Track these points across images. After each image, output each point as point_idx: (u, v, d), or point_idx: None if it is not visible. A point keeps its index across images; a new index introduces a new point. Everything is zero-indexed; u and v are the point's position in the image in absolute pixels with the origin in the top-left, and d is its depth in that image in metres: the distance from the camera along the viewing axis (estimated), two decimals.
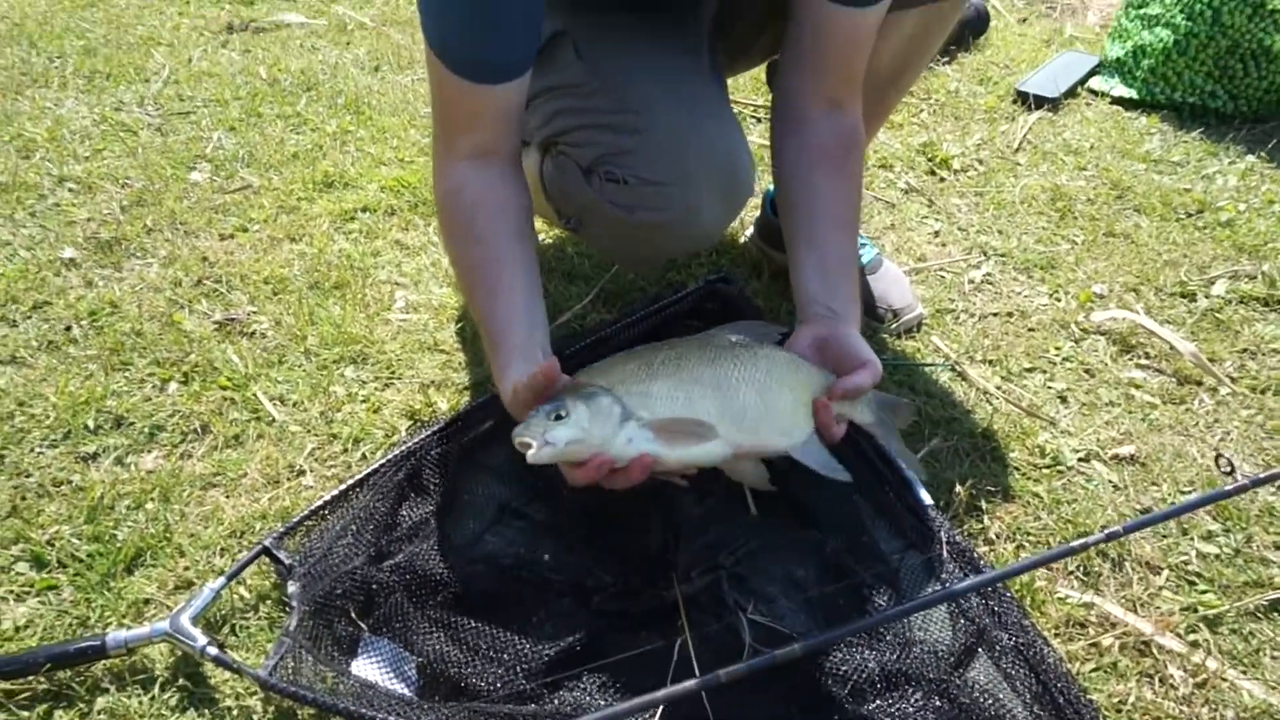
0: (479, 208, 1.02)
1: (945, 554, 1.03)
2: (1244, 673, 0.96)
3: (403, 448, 1.10)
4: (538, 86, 1.10)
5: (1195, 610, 1.02)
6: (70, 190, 1.76)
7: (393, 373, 1.34)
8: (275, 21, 2.57)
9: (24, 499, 1.12)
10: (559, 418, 0.87)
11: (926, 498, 1.11)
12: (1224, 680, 0.95)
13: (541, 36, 1.09)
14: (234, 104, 2.11)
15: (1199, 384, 1.35)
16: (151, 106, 2.09)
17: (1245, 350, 1.42)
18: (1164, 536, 1.11)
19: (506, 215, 1.03)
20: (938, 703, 0.88)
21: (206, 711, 0.89)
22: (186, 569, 1.03)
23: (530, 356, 0.94)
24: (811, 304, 1.05)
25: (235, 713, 0.89)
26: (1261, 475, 0.76)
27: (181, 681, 0.91)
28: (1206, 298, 1.53)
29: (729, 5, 1.25)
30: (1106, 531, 0.76)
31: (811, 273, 1.07)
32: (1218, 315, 1.49)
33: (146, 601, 1.00)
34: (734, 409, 0.95)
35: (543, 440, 0.86)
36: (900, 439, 1.10)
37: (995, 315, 1.49)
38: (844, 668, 0.89)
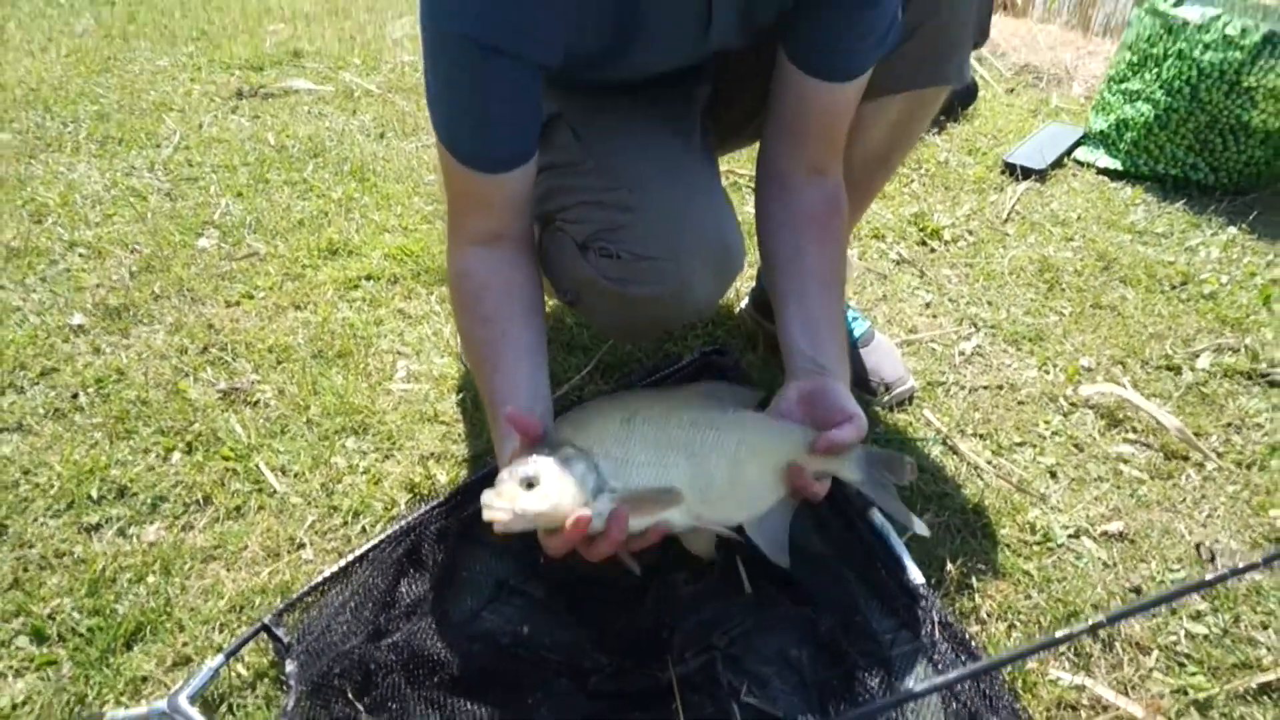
0: (486, 290, 1.07)
1: (936, 635, 1.05)
2: None
3: (402, 523, 1.12)
4: (538, 164, 1.15)
5: (1185, 693, 1.03)
6: (81, 255, 1.80)
7: (393, 444, 1.36)
8: (284, 88, 2.65)
9: (26, 570, 1.13)
10: (530, 486, 0.86)
11: (918, 576, 1.12)
12: None
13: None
14: (242, 170, 2.16)
15: (1185, 459, 1.38)
16: (162, 172, 2.14)
17: (1230, 424, 1.45)
18: (1153, 616, 1.12)
19: (512, 297, 1.07)
20: None
21: None
22: (185, 645, 1.04)
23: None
24: (798, 360, 1.07)
25: None
26: (1240, 566, 0.78)
27: None
28: (1191, 371, 1.57)
29: (721, 90, 1.30)
30: (1091, 623, 0.77)
31: (798, 329, 1.09)
32: (1202, 389, 1.52)
33: (144, 679, 1.00)
34: (702, 480, 0.94)
35: (511, 510, 0.85)
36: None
37: (985, 388, 1.52)
38: None
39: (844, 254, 1.17)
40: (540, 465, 0.87)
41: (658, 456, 0.92)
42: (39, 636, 1.05)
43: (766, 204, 1.19)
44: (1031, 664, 1.05)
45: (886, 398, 1.46)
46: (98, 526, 1.20)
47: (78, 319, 1.60)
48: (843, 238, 1.18)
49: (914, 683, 0.98)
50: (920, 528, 1.06)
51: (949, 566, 1.16)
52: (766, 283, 1.17)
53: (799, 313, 1.11)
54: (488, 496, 0.87)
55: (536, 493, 0.86)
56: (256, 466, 1.30)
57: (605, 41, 1.02)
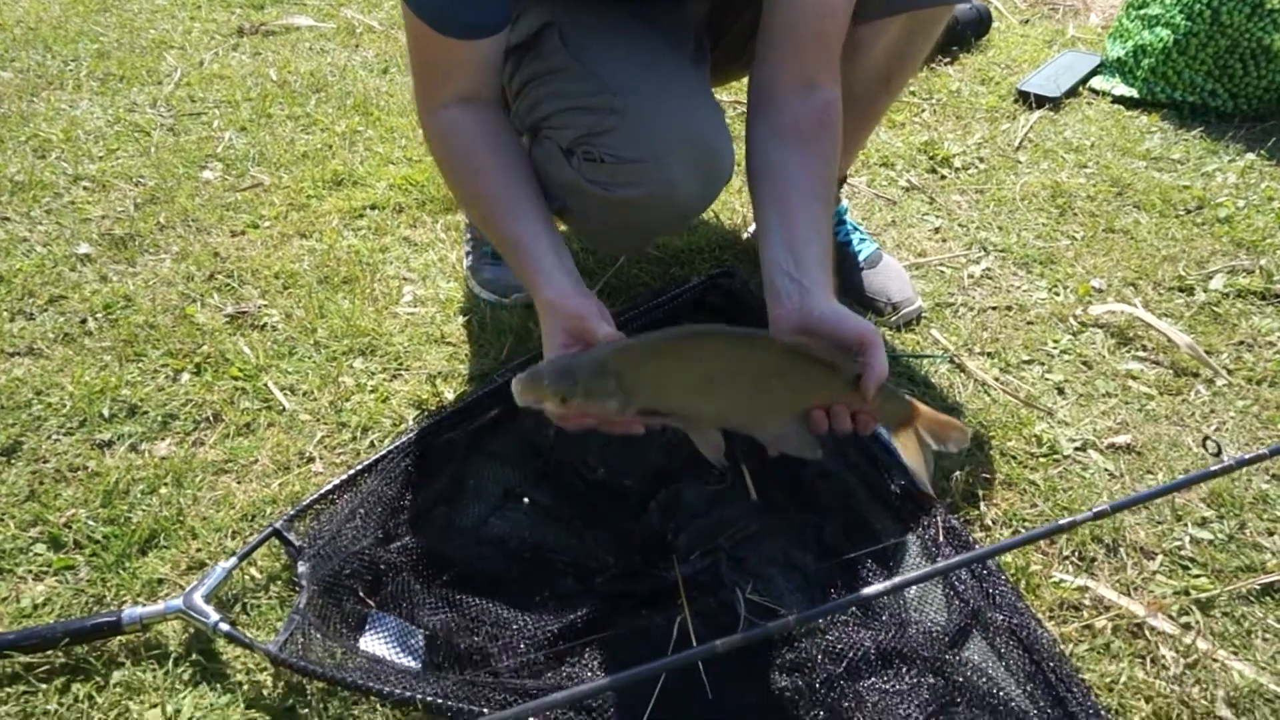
0: (476, 142, 1.05)
1: (941, 539, 1.05)
2: (1235, 653, 0.97)
3: (410, 434, 1.13)
4: (526, 75, 1.14)
5: (1188, 593, 1.04)
6: (85, 189, 1.79)
7: (400, 364, 1.36)
8: (285, 25, 2.61)
9: (41, 484, 1.15)
10: (564, 401, 0.86)
11: (926, 485, 1.13)
12: (1215, 661, 0.96)
13: (530, 27, 1.13)
14: (244, 105, 2.14)
15: (1195, 375, 1.37)
16: (164, 108, 2.12)
17: (1242, 342, 1.43)
18: (1158, 523, 1.12)
19: (505, 147, 1.06)
20: (932, 680, 0.90)
21: (218, 685, 0.91)
22: (199, 550, 1.06)
23: (566, 271, 0.98)
24: (779, 279, 0.99)
25: (246, 687, 0.91)
26: (1246, 456, 0.78)
27: (195, 657, 0.93)
28: (1204, 292, 1.55)
29: (722, 8, 1.27)
30: (1094, 510, 0.77)
31: (779, 246, 1.02)
32: (1215, 309, 1.51)
33: (160, 581, 1.02)
34: (724, 417, 0.92)
35: (534, 406, 0.86)
36: (929, 459, 0.98)
37: (994, 309, 1.51)
38: (840, 646, 0.91)
39: (833, 169, 1.11)
40: (579, 383, 0.85)
41: (689, 401, 0.90)
42: (56, 543, 1.06)
43: (752, 122, 1.13)
44: (1035, 565, 1.06)
45: (894, 317, 1.45)
46: (110, 443, 1.21)
47: (84, 248, 1.60)
48: (832, 153, 1.11)
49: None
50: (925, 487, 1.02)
51: (955, 476, 1.17)
52: (751, 198, 1.12)
53: (781, 228, 1.04)
54: (524, 380, 0.85)
55: (562, 407, 0.86)
56: (265, 385, 1.31)
57: None
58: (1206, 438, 1.00)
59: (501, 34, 1.02)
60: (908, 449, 0.99)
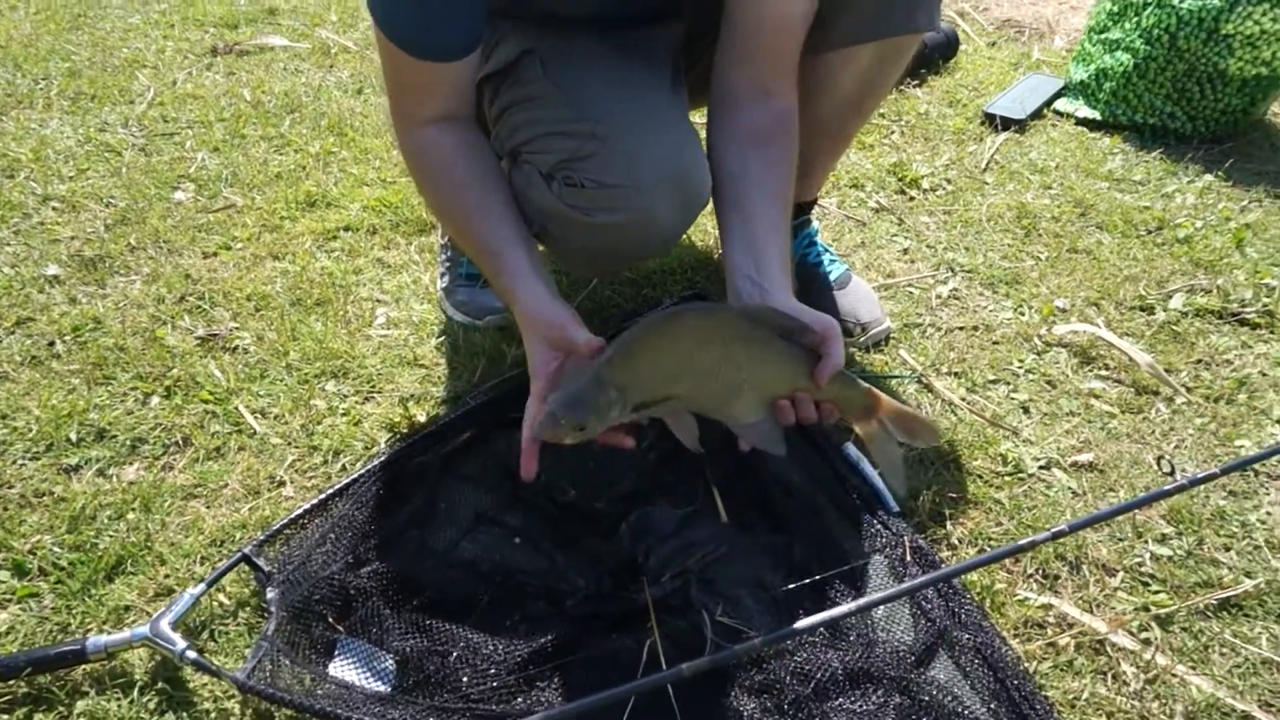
0: (452, 160, 1.09)
1: (909, 558, 1.07)
2: (1193, 668, 0.99)
3: (382, 458, 1.13)
4: (505, 101, 1.15)
5: (1148, 609, 1.06)
6: (54, 209, 1.78)
7: (373, 387, 1.36)
8: (259, 45, 2.61)
9: (5, 509, 1.13)
10: (581, 429, 0.92)
11: (892, 505, 1.15)
12: (1174, 676, 0.98)
13: (509, 54, 1.14)
14: (218, 125, 2.14)
15: (1156, 394, 1.40)
16: (136, 127, 2.12)
17: (1200, 361, 1.47)
18: (1120, 540, 1.15)
19: (480, 163, 1.10)
20: (898, 699, 0.91)
21: (185, 714, 0.91)
22: (167, 577, 1.05)
23: (542, 281, 1.04)
24: (740, 281, 1.05)
25: (213, 715, 0.91)
26: (1199, 475, 0.80)
27: (160, 685, 0.93)
28: (1164, 311, 1.59)
29: (695, 35, 1.29)
30: (1053, 530, 0.79)
31: (740, 248, 1.07)
32: (1174, 328, 1.54)
33: (127, 608, 1.01)
34: (694, 401, 0.99)
35: (556, 438, 0.93)
36: (901, 465, 1.06)
37: (961, 329, 1.54)
38: (808, 667, 0.92)
39: (790, 174, 1.15)
40: (593, 414, 0.92)
41: (666, 387, 0.96)
42: (20, 570, 1.05)
43: (714, 123, 1.18)
44: (1000, 584, 1.07)
45: (863, 338, 1.47)
46: (77, 467, 1.20)
47: (52, 270, 1.59)
48: (789, 158, 1.16)
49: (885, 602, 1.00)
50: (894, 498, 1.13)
51: (922, 496, 1.18)
52: (714, 201, 1.16)
53: (741, 230, 1.09)
54: (541, 427, 0.93)
55: (581, 433, 0.93)
56: (236, 409, 1.30)
57: None
58: (1161, 456, 1.03)
59: (474, 55, 1.05)
60: (874, 443, 1.05)
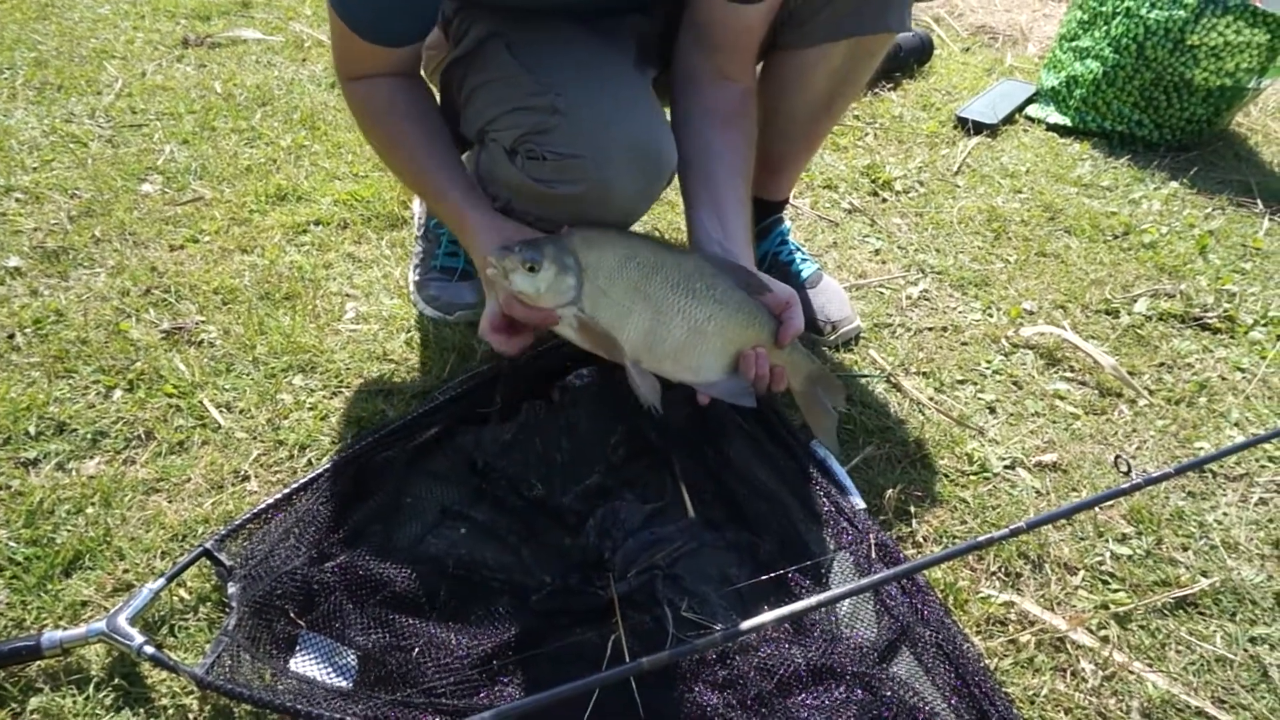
0: (394, 101, 1.15)
1: (874, 556, 1.08)
2: (1150, 665, 1.01)
3: (347, 453, 1.12)
4: (473, 84, 1.16)
5: (1107, 608, 1.07)
6: (17, 200, 1.75)
7: (341, 381, 1.35)
8: (231, 37, 2.58)
9: None
10: (531, 269, 0.98)
11: (859, 503, 1.16)
12: (1131, 673, 1.00)
13: (478, 38, 1.15)
14: (187, 118, 2.11)
15: (1119, 396, 1.42)
16: (103, 119, 2.08)
17: (1162, 364, 1.49)
18: (1081, 539, 1.16)
19: (422, 102, 1.17)
20: (860, 694, 0.91)
21: (142, 710, 0.89)
22: (126, 572, 1.04)
23: (482, 197, 1.16)
24: (708, 244, 1.14)
25: (171, 712, 0.89)
26: (1154, 474, 0.81)
27: (117, 681, 0.91)
28: (1129, 315, 1.61)
29: (669, 29, 1.30)
30: (1011, 528, 0.80)
31: (707, 216, 1.16)
32: (1139, 331, 1.57)
33: (84, 604, 1.00)
34: (658, 337, 1.04)
35: (506, 278, 0.99)
36: (832, 418, 1.18)
37: (930, 330, 1.55)
38: (771, 662, 0.92)
39: (751, 150, 1.24)
40: (548, 259, 0.98)
41: (628, 302, 1.02)
42: None
43: (677, 100, 1.25)
44: (963, 581, 1.08)
45: (833, 337, 1.48)
46: (35, 461, 1.18)
47: (14, 261, 1.56)
48: (750, 135, 1.24)
49: (849, 599, 1.00)
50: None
51: (889, 494, 1.19)
52: (679, 178, 1.21)
53: (710, 202, 1.17)
54: (494, 255, 0.99)
55: (532, 278, 0.98)
56: (200, 403, 1.29)
57: None
58: (1118, 456, 1.04)
59: (427, 35, 1.11)
60: (811, 407, 1.17)
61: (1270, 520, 1.20)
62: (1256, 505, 1.23)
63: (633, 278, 1.02)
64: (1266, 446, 1.32)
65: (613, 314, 1.03)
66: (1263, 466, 1.30)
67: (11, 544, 1.05)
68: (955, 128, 2.30)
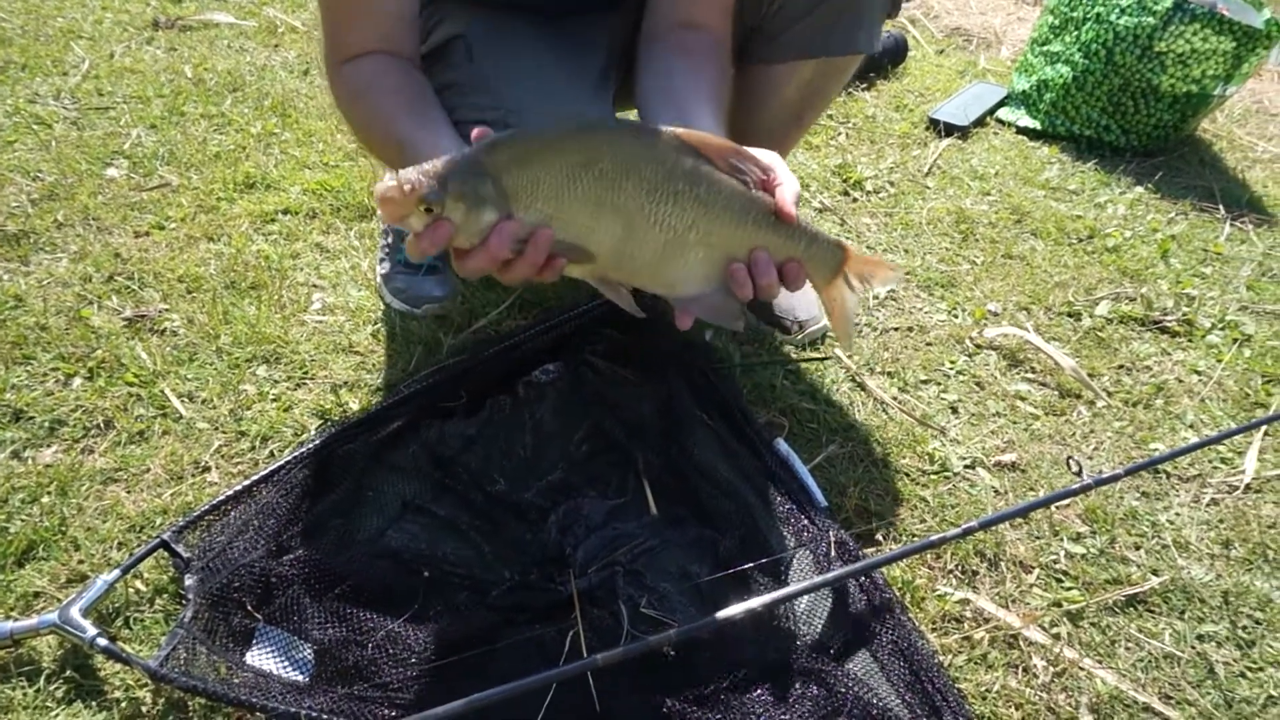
0: (385, 89, 1.01)
1: (833, 554, 1.09)
2: (1100, 662, 1.03)
3: (309, 445, 1.12)
4: (437, 83, 1.14)
5: (1059, 605, 1.09)
6: None
7: (305, 373, 1.34)
8: (203, 20, 2.54)
9: None
10: (429, 210, 0.73)
11: (821, 500, 1.17)
12: (1081, 670, 1.02)
13: (444, 36, 1.14)
14: (156, 101, 2.08)
15: (1078, 397, 1.44)
16: (68, 100, 2.05)
17: (1121, 366, 1.52)
18: (1037, 538, 1.18)
19: (418, 91, 1.03)
20: (815, 691, 0.93)
21: (94, 703, 0.89)
22: (81, 563, 1.02)
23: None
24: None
25: (124, 704, 0.89)
26: (1104, 475, 0.83)
27: (69, 673, 0.90)
28: (1090, 317, 1.64)
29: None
30: (963, 527, 0.82)
31: (659, 102, 1.02)
32: (1099, 334, 1.60)
33: (37, 595, 0.99)
34: (626, 252, 0.81)
35: (400, 219, 0.74)
36: (855, 318, 0.95)
37: (896, 329, 1.57)
38: (728, 657, 0.93)
39: (724, 89, 1.08)
40: (451, 194, 0.73)
41: (589, 220, 0.78)
42: None
43: (643, 45, 1.12)
44: (921, 579, 1.10)
45: (800, 335, 1.49)
46: None
47: None
48: (723, 74, 1.09)
49: (807, 596, 1.02)
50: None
51: (850, 492, 1.21)
52: (639, 109, 1.09)
53: (664, 97, 1.02)
54: (384, 186, 0.73)
55: (434, 210, 0.73)
56: (161, 392, 1.27)
57: None
58: (1069, 457, 1.06)
59: None
60: (835, 302, 0.93)
61: (1221, 520, 1.23)
62: (1208, 505, 1.26)
63: (592, 192, 0.77)
64: (1219, 448, 1.35)
65: (568, 235, 0.79)
66: (1215, 468, 1.32)
67: None
68: (927, 129, 2.32)
